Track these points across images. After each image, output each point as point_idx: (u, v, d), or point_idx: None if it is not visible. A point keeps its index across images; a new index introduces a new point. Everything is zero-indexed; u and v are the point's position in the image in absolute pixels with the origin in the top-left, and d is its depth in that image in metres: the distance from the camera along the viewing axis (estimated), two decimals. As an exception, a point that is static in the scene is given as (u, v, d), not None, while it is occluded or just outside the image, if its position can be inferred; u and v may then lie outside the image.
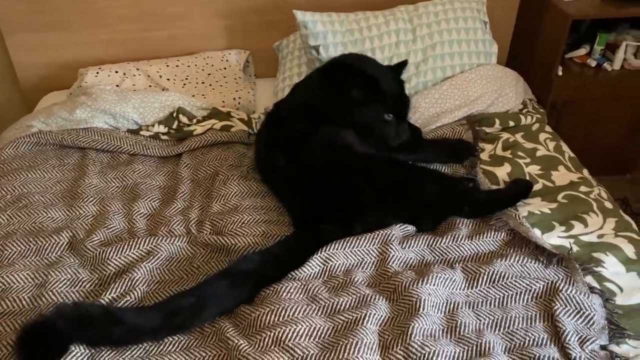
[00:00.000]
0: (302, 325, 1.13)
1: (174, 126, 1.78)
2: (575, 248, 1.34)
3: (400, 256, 1.32)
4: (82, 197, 1.52)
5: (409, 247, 1.36)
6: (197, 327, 1.16)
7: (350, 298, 1.21)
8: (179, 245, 1.37)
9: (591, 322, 1.17)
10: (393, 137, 1.55)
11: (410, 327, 1.12)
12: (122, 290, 1.24)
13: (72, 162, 1.67)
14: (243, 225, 1.42)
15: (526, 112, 1.85)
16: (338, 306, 1.19)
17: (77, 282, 1.28)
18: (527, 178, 1.58)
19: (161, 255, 1.34)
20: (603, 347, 1.12)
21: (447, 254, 1.35)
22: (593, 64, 2.17)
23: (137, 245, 1.34)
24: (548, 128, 1.80)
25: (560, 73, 2.11)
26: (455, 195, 1.44)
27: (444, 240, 1.37)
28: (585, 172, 1.63)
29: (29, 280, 1.26)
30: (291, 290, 1.21)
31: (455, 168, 1.65)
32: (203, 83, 1.96)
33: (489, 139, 1.74)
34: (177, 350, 1.12)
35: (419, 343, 1.09)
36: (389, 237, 1.35)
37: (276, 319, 1.14)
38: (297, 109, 1.58)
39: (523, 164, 1.62)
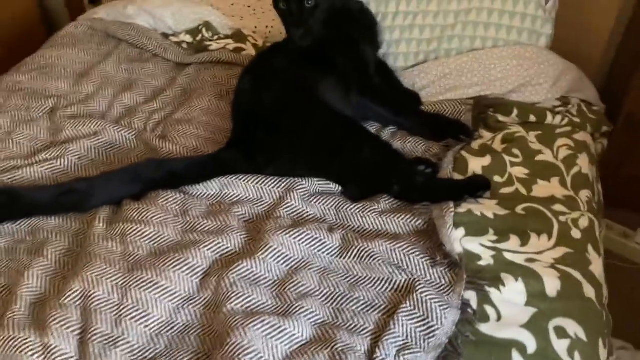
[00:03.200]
0: (151, 228, 1.19)
1: (198, 38, 1.90)
2: (488, 262, 1.16)
3: (297, 207, 1.29)
4: (89, 77, 1.74)
5: (314, 202, 1.31)
6: (88, 211, 1.29)
7: (214, 224, 1.23)
8: (124, 136, 1.51)
9: (431, 334, 1.03)
10: (287, 29, 1.49)
11: (236, 265, 1.11)
12: (54, 154, 1.42)
13: (105, 49, 1.90)
14: (185, 135, 1.50)
15: (560, 110, 1.57)
16: (197, 225, 1.23)
17: (33, 140, 1.49)
18: (506, 177, 1.38)
19: (104, 138, 1.49)
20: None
21: (348, 221, 1.27)
22: None
23: (91, 125, 1.51)
24: (580, 137, 1.51)
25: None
26: (389, 170, 1.33)
27: (352, 208, 1.29)
28: (585, 194, 1.35)
29: (-1, 126, 1.52)
30: (169, 199, 1.27)
31: (432, 147, 1.49)
32: (249, 7, 2.03)
33: (495, 128, 1.53)
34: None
35: (231, 280, 1.08)
36: (297, 186, 1.32)
37: (137, 216, 1.22)
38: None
39: (508, 162, 1.41)
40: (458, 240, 1.19)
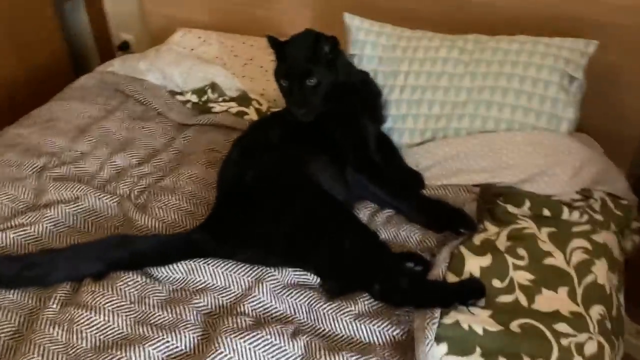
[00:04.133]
0: (100, 317, 1.11)
1: (203, 98, 1.85)
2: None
3: (263, 301, 1.18)
4: (87, 133, 1.72)
5: (285, 296, 1.20)
6: (49, 285, 1.22)
7: (169, 316, 1.14)
8: (105, 203, 1.46)
9: None
10: (288, 106, 1.42)
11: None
12: (31, 220, 1.38)
13: (112, 105, 1.88)
14: (165, 206, 1.43)
15: (580, 205, 1.40)
16: (151, 317, 1.14)
17: (16, 200, 1.46)
18: (506, 282, 1.22)
19: (83, 205, 1.44)
20: None
21: (319, 322, 1.15)
22: None
23: (74, 189, 1.47)
24: (600, 237, 1.33)
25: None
26: (371, 267, 1.20)
27: (326, 307, 1.17)
28: (597, 310, 1.17)
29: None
30: (129, 283, 1.19)
31: (428, 238, 1.35)
32: (262, 67, 1.97)
33: (502, 221, 1.37)
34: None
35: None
36: (268, 277, 1.21)
37: (90, 300, 1.14)
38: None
39: (511, 264, 1.25)
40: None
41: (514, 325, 1.13)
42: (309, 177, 1.34)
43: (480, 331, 1.10)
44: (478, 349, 1.08)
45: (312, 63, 1.38)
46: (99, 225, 1.41)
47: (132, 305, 1.16)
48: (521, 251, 1.29)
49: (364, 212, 1.43)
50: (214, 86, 1.87)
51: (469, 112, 1.51)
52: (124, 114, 1.84)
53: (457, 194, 1.42)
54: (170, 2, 2.32)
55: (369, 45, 1.61)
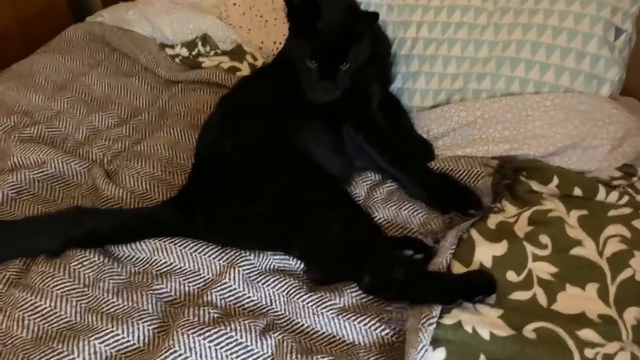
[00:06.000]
0: (46, 303, 0.98)
1: (194, 52, 1.67)
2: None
3: (234, 289, 1.03)
4: (66, 90, 1.58)
5: (262, 284, 1.04)
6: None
7: (124, 304, 1.00)
8: (73, 168, 1.32)
9: None
10: (311, 90, 1.19)
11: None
12: (-11, 181, 1.25)
13: (97, 58, 1.73)
14: (137, 174, 1.28)
15: (620, 184, 1.18)
16: (103, 304, 1.00)
17: (-21, 161, 1.34)
18: (523, 275, 1.03)
19: (49, 170, 1.30)
20: None
21: (297, 316, 1.00)
22: None
23: (40, 152, 1.33)
24: (642, 224, 1.12)
25: None
26: (360, 255, 1.02)
27: (307, 299, 1.01)
28: (633, 314, 0.97)
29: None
30: (85, 263, 1.05)
31: (434, 219, 1.17)
32: (262, 17, 1.77)
33: (524, 201, 1.17)
34: None
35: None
36: (241, 261, 1.05)
37: (39, 283, 1.01)
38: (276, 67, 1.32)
39: (530, 254, 1.06)
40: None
41: (528, 330, 0.94)
42: (299, 146, 1.16)
43: (486, 335, 0.93)
44: (482, 357, 0.91)
45: (348, 44, 1.17)
46: (65, 194, 1.28)
47: (85, 289, 1.02)
48: (544, 238, 1.09)
49: (361, 186, 1.25)
50: (205, 38, 1.69)
51: (491, 71, 1.28)
52: (108, 69, 1.68)
53: (470, 167, 1.21)
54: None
55: (377, -11, 1.39)
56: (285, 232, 1.06)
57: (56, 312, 0.97)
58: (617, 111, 1.21)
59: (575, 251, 1.07)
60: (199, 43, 1.68)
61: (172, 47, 1.73)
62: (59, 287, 1.00)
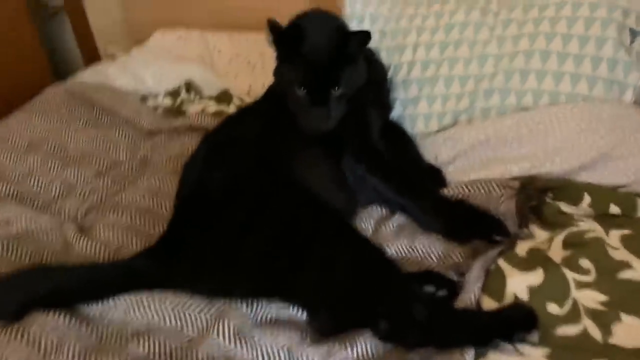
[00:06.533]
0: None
1: (178, 101, 1.58)
2: None
3: (224, 347, 0.86)
4: (39, 148, 1.45)
5: (258, 338, 0.87)
6: None
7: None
8: (42, 225, 1.16)
9: None
10: (303, 118, 1.08)
11: None
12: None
13: (74, 116, 1.61)
14: (113, 226, 1.14)
15: (661, 198, 1.04)
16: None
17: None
18: (568, 307, 0.87)
19: (14, 229, 1.15)
20: None
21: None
22: None
23: (4, 210, 1.19)
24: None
25: None
26: (374, 296, 0.87)
27: (313, 354, 0.84)
28: None
29: None
30: (46, 327, 0.89)
31: (454, 251, 1.01)
32: (249, 63, 1.70)
33: (555, 224, 1.02)
34: None
35: None
36: (232, 312, 0.89)
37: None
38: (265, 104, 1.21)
39: (572, 281, 0.90)
40: None
41: (589, 369, 0.77)
42: (293, 177, 1.03)
43: (537, 382, 0.75)
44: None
45: (339, 67, 1.07)
46: (34, 253, 1.12)
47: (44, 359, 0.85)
48: (585, 262, 0.93)
49: (367, 221, 1.11)
50: (189, 85, 1.60)
51: (499, 86, 1.17)
52: (87, 123, 1.57)
53: (489, 192, 1.08)
54: (154, 3, 2.07)
55: (368, 17, 1.32)
56: (283, 273, 0.91)
57: (9, 388, 0.80)
58: (644, 116, 1.09)
59: (624, 275, 0.91)
60: (183, 90, 1.59)
61: (155, 97, 1.63)
62: (14, 357, 0.84)
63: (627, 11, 1.14)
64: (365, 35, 1.09)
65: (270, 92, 1.24)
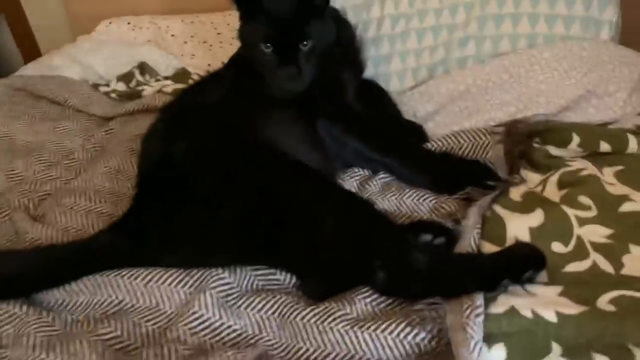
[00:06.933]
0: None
1: (131, 84, 1.47)
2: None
3: (208, 318, 0.76)
4: (-19, 144, 1.32)
5: (244, 307, 0.79)
6: None
7: (56, 358, 0.72)
8: (-12, 215, 1.04)
9: None
10: (272, 80, 1.01)
11: None
12: None
13: (19, 110, 1.49)
14: (70, 210, 1.03)
15: (650, 132, 1.01)
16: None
17: None
18: (573, 244, 0.82)
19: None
20: None
21: (297, 339, 0.74)
22: None
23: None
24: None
25: None
26: (369, 247, 0.79)
27: (308, 315, 0.76)
28: None
29: None
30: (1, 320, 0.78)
31: (445, 202, 0.95)
32: (205, 42, 1.62)
33: (545, 166, 0.98)
34: None
35: None
36: (213, 282, 0.80)
37: None
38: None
39: (574, 218, 0.85)
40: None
41: (603, 302, 0.72)
42: (263, 140, 0.95)
43: (552, 317, 0.70)
44: (556, 346, 0.68)
45: (306, 20, 1.00)
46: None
47: (1, 351, 0.74)
48: (584, 199, 0.89)
49: (349, 182, 1.04)
50: (143, 67, 1.50)
51: (473, 34, 1.13)
52: (34, 117, 1.45)
53: (473, 139, 1.03)
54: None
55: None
56: (266, 235, 0.83)
57: (-43, 388, 0.69)
58: (626, 52, 1.06)
59: (627, 207, 0.87)
60: (137, 72, 1.49)
61: (107, 85, 1.52)
62: (-39, 354, 0.73)
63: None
64: None
65: (233, 59, 1.16)
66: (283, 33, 0.99)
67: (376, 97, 1.17)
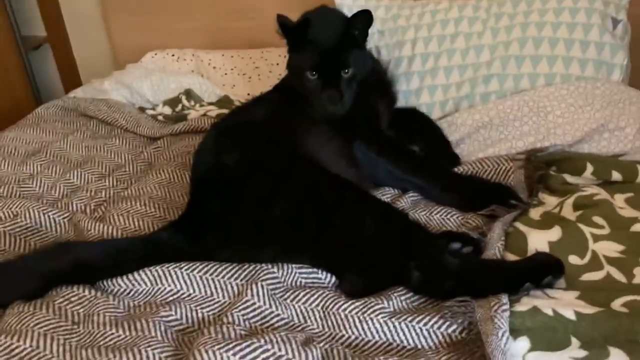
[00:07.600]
0: (26, 343, 0.79)
1: (177, 108, 1.60)
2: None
3: (259, 306, 0.86)
4: (38, 155, 1.44)
5: (290, 300, 0.87)
6: None
7: (126, 335, 0.81)
8: (51, 218, 1.14)
9: None
10: (317, 103, 1.13)
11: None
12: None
13: (70, 128, 1.62)
14: (127, 213, 1.13)
15: (658, 165, 1.10)
16: (99, 337, 0.81)
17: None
18: (588, 257, 0.91)
19: (22, 222, 1.12)
20: None
21: (340, 329, 0.82)
22: None
23: (10, 204, 1.16)
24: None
25: None
26: (405, 249, 0.88)
27: (349, 307, 0.84)
28: None
29: None
30: (72, 299, 0.88)
31: (470, 218, 1.05)
32: (245, 74, 1.74)
33: (561, 192, 1.07)
34: None
35: None
36: (263, 275, 0.89)
37: (16, 324, 0.81)
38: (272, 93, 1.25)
39: (589, 235, 0.94)
40: (520, 359, 0.72)
41: (617, 305, 0.81)
42: (306, 153, 1.06)
43: (571, 316, 0.78)
44: (574, 340, 0.76)
45: (347, 50, 1.14)
46: (45, 245, 1.09)
47: (74, 327, 0.83)
48: (598, 219, 0.98)
49: (382, 199, 1.13)
50: (189, 93, 1.62)
51: (496, 72, 1.25)
52: (84, 134, 1.57)
53: (496, 165, 1.13)
54: (140, 30, 2.10)
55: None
56: (313, 232, 0.92)
57: (39, 353, 0.77)
58: (635, 92, 1.17)
59: (637, 227, 0.96)
60: (183, 98, 1.61)
61: (153, 108, 1.65)
62: (40, 325, 0.81)
63: (606, 1, 1.25)
64: (367, 14, 1.15)
65: (278, 86, 1.28)
66: (327, 61, 1.12)
67: (418, 118, 1.29)
